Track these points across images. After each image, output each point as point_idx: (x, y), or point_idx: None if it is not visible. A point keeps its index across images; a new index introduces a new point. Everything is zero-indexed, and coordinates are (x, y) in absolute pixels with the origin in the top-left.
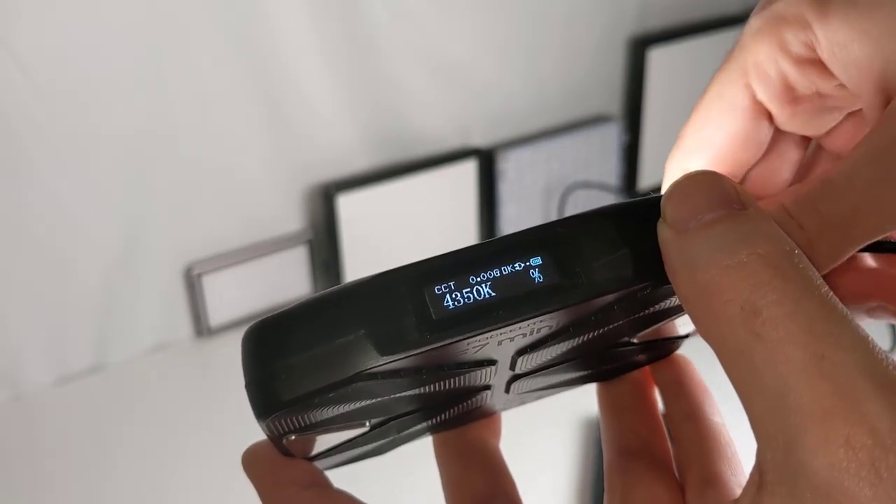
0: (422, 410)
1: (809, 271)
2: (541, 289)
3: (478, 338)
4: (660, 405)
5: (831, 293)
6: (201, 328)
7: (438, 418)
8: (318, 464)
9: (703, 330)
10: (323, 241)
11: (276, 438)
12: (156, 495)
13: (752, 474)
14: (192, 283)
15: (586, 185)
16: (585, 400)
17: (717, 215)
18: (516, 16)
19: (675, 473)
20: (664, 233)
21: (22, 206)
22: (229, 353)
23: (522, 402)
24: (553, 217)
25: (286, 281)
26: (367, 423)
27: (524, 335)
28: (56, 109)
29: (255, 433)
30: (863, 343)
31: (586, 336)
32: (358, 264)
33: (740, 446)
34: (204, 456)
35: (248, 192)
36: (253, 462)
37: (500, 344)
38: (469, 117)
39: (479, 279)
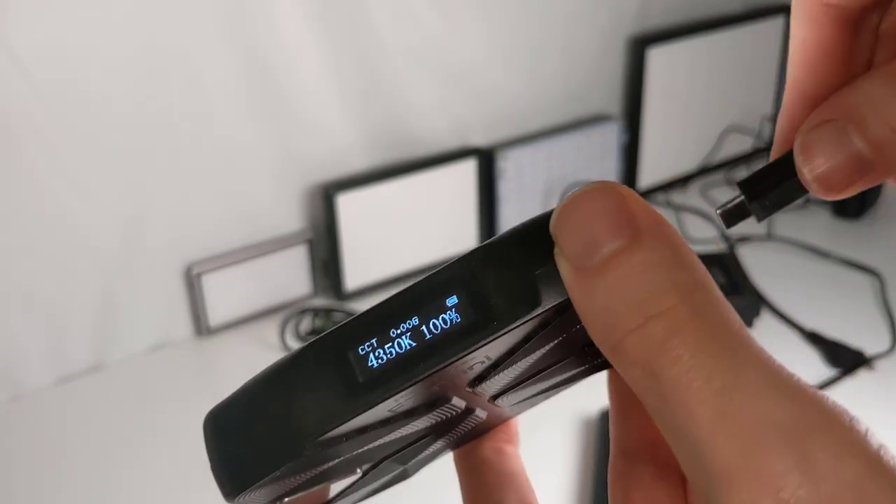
0: (413, 446)
1: (707, 314)
2: (458, 329)
3: (408, 388)
4: None
5: (735, 331)
6: (201, 328)
7: (441, 444)
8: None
9: (622, 374)
10: (323, 240)
11: None
12: (156, 495)
13: None
14: (192, 283)
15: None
16: (585, 400)
17: (611, 250)
18: (516, 16)
19: (679, 476)
20: (563, 268)
21: (21, 205)
22: (229, 352)
23: (533, 404)
24: None
25: (286, 281)
26: (358, 471)
27: (461, 373)
28: (55, 109)
29: None
30: (767, 388)
31: (535, 355)
32: (358, 264)
33: None
34: (204, 455)
35: (248, 192)
36: None
37: (440, 385)
38: (469, 117)
39: (399, 331)
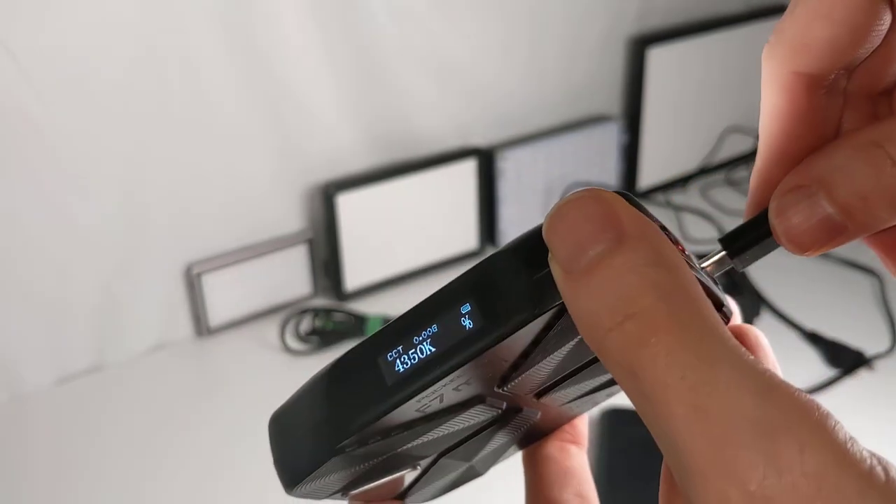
0: (470, 442)
1: (684, 313)
2: (472, 334)
3: (432, 387)
4: None
5: (710, 328)
6: (201, 328)
7: (503, 440)
8: (414, 499)
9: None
10: (323, 240)
11: (341, 497)
12: (156, 495)
13: None
14: (192, 283)
15: (586, 184)
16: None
17: (596, 252)
18: (516, 16)
19: None
20: (555, 271)
21: (21, 205)
22: (229, 352)
23: (595, 404)
24: None
25: (286, 281)
26: (417, 467)
27: (484, 373)
28: (55, 110)
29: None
30: (739, 386)
31: (558, 353)
32: (358, 264)
33: None
34: (204, 455)
35: (248, 192)
36: None
37: (466, 385)
38: (469, 117)
39: (420, 339)
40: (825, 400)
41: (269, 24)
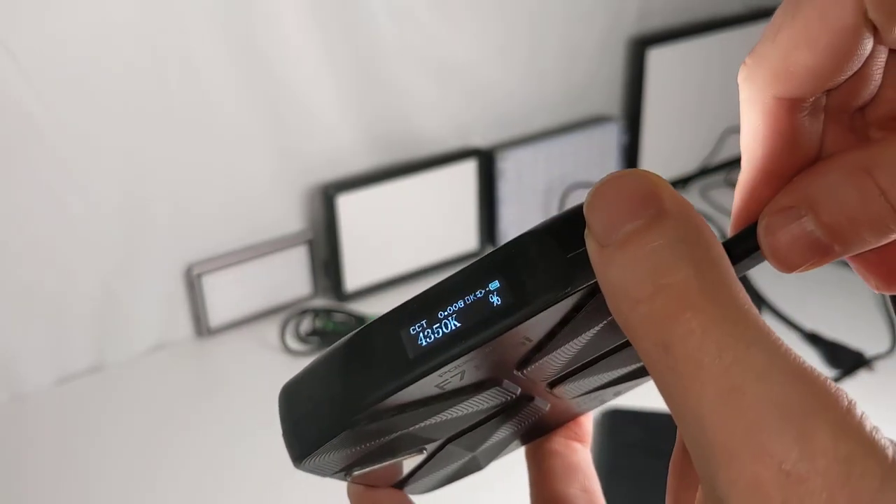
0: (477, 429)
1: (719, 291)
2: (499, 310)
3: (454, 363)
4: None
5: (745, 310)
6: (201, 328)
7: (508, 432)
8: (412, 489)
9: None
10: (323, 241)
11: (338, 478)
12: (155, 495)
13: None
14: (192, 283)
15: (586, 185)
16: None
17: (634, 226)
18: (516, 16)
19: None
20: (590, 245)
21: (22, 206)
22: (229, 353)
23: (602, 402)
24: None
25: (286, 281)
26: (423, 451)
27: (506, 353)
28: (56, 109)
29: (254, 433)
30: (772, 368)
31: (580, 339)
32: (358, 264)
33: None
34: (204, 455)
35: (249, 193)
36: (351, 493)
37: (486, 365)
38: (469, 117)
39: (446, 313)
40: None
41: (269, 24)
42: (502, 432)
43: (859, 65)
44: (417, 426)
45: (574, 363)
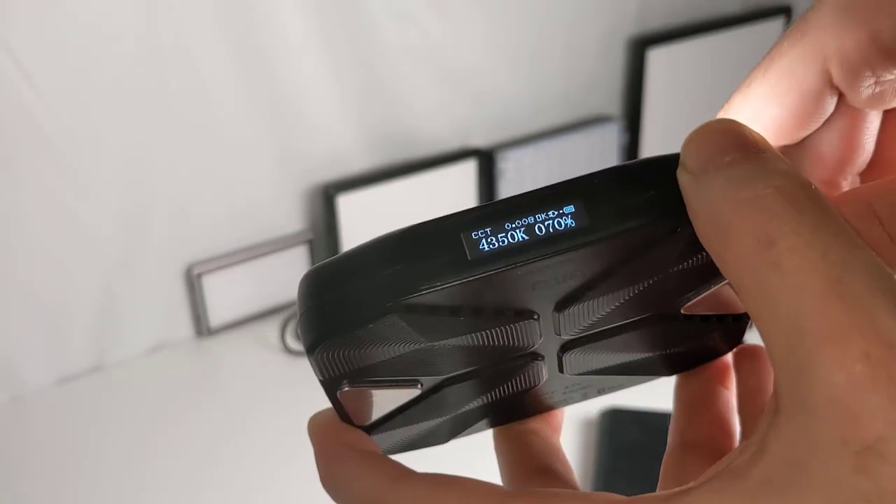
0: (472, 379)
1: (825, 203)
2: (571, 230)
3: (511, 274)
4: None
5: (846, 225)
6: (201, 328)
7: (493, 399)
8: (378, 441)
9: (722, 267)
10: (323, 241)
11: (330, 388)
12: (155, 494)
13: (768, 404)
14: (193, 283)
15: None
16: (585, 401)
17: (734, 157)
18: (516, 17)
19: None
20: (683, 177)
21: (21, 206)
22: (229, 353)
23: (585, 396)
24: None
25: (286, 281)
26: (419, 386)
27: (558, 280)
28: (56, 110)
29: (254, 433)
30: (878, 268)
31: (625, 292)
32: None
33: None
34: (203, 455)
35: (249, 193)
36: (313, 426)
37: (535, 289)
38: (469, 118)
39: (513, 225)
40: None
41: (270, 25)
42: (484, 399)
43: (818, 124)
44: (439, 342)
45: (603, 324)
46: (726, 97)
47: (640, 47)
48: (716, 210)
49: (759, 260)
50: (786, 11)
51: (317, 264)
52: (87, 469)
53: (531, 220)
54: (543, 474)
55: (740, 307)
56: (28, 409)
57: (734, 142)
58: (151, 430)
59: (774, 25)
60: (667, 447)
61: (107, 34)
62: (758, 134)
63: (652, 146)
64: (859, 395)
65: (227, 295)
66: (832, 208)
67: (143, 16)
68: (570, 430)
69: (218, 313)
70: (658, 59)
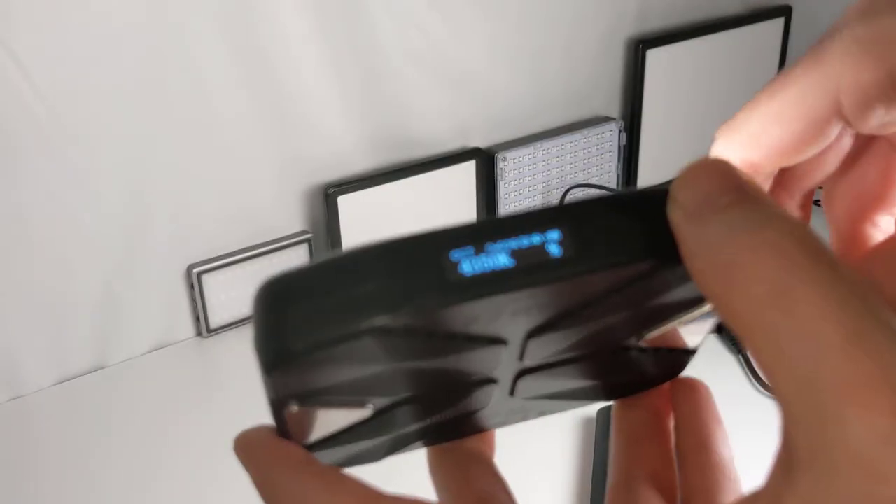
0: (423, 401)
1: (831, 252)
2: (556, 260)
3: (494, 301)
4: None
5: (859, 275)
6: (201, 328)
7: (436, 419)
8: (320, 455)
9: (726, 311)
10: (323, 241)
11: (278, 407)
12: (156, 494)
13: (778, 457)
14: (193, 283)
15: (586, 185)
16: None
17: (731, 198)
18: (516, 18)
19: (678, 502)
20: (675, 213)
21: (22, 206)
22: (229, 353)
23: (524, 418)
24: None
25: None
26: (370, 407)
27: (539, 308)
28: (56, 110)
29: None
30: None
31: (600, 322)
32: None
33: (745, 481)
34: (204, 455)
35: (249, 193)
36: (246, 443)
37: (513, 315)
38: (469, 118)
39: (497, 247)
40: None
41: (270, 25)
42: (428, 419)
43: (818, 150)
44: (403, 365)
45: (567, 352)
46: (726, 98)
47: (639, 48)
48: (719, 252)
49: (770, 308)
50: (786, 12)
51: (276, 274)
52: (88, 469)
53: (515, 244)
54: (488, 497)
55: (692, 342)
56: (28, 409)
57: (731, 183)
58: (152, 430)
59: (774, 26)
60: (611, 480)
61: (107, 34)
62: (752, 179)
63: (651, 147)
64: (887, 452)
65: (228, 295)
66: (838, 257)
67: (143, 16)
68: (569, 429)
69: (218, 313)
70: (658, 60)
